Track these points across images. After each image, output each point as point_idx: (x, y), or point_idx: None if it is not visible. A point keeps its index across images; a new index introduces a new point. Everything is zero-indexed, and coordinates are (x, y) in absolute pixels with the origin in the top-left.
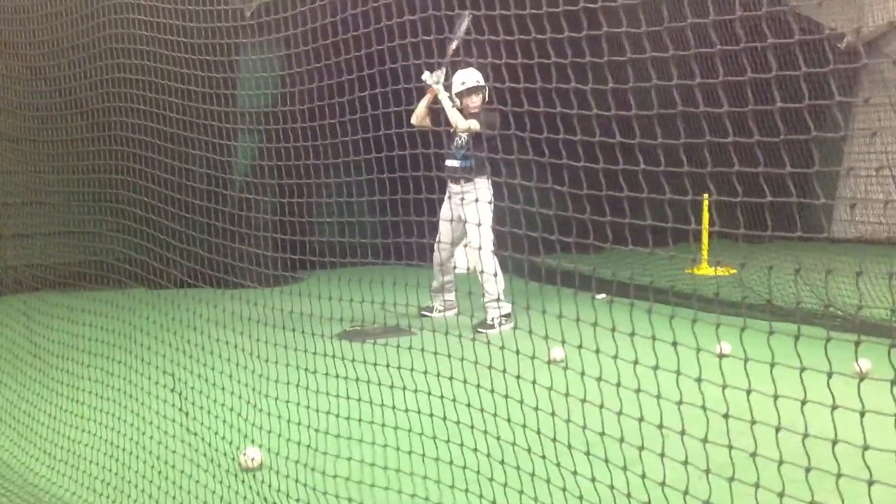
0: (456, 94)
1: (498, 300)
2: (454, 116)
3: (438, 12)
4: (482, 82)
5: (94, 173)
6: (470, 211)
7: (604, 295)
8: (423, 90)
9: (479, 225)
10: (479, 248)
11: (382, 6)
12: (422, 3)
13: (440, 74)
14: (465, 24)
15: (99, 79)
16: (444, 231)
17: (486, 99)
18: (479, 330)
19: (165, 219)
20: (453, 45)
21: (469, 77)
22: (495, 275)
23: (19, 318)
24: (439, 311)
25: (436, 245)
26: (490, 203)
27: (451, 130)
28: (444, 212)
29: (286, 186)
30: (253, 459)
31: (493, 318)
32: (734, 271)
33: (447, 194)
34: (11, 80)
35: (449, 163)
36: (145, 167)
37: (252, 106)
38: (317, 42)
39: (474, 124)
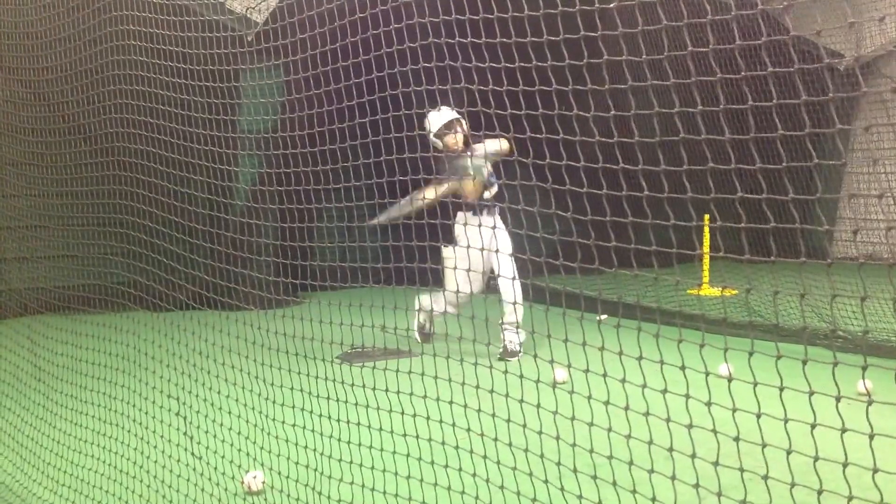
0: (434, 135)
1: (517, 325)
2: (457, 185)
3: (439, 39)
4: (454, 115)
5: (96, 198)
6: (502, 240)
7: (605, 316)
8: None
9: (510, 254)
10: (513, 278)
11: (383, 33)
12: (422, 30)
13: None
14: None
15: (101, 104)
16: (479, 260)
17: (466, 128)
18: (504, 359)
19: (167, 242)
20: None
21: (440, 118)
22: (516, 302)
23: (23, 341)
24: (426, 330)
25: (468, 275)
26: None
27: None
28: (476, 241)
29: (287, 211)
30: (263, 482)
31: (511, 343)
32: (736, 292)
33: (468, 223)
34: (15, 104)
35: (486, 194)
36: (147, 191)
37: (253, 131)
38: (318, 68)
39: (451, 141)
